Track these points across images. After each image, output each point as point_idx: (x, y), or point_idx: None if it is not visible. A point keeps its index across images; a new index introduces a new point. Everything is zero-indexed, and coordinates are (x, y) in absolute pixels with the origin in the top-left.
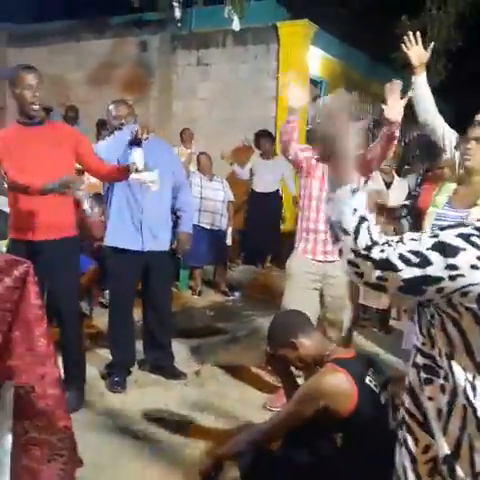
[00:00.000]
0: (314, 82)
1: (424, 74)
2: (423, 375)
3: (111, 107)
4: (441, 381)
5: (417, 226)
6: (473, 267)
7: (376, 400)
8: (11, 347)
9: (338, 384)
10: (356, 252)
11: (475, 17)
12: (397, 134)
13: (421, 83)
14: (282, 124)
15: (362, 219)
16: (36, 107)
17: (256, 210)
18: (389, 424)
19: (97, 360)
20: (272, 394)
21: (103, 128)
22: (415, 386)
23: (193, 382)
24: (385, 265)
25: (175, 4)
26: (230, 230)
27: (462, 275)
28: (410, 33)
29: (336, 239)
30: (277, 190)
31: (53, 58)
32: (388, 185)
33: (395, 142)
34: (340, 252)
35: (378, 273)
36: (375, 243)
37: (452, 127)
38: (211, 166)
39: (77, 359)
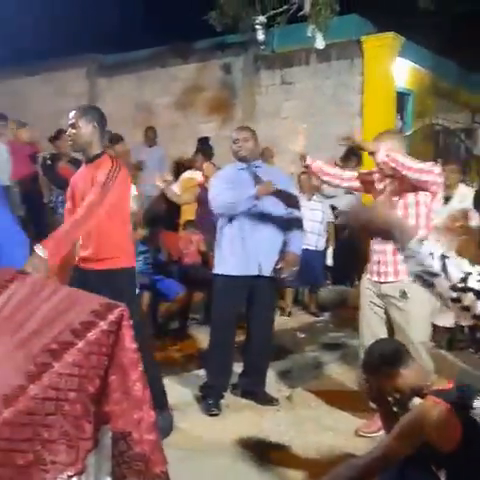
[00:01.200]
0: (401, 94)
1: None
2: None
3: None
4: None
5: None
6: None
7: None
8: (108, 392)
9: (440, 418)
10: (453, 287)
11: None
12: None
13: None
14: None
15: (443, 257)
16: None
17: (341, 228)
18: None
19: (190, 382)
20: (366, 420)
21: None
22: None
23: (285, 407)
24: None
25: (258, 27)
26: (330, 250)
27: None
28: None
29: (429, 286)
30: None
31: (141, 85)
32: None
33: (404, 172)
34: (439, 297)
35: None
36: (469, 273)
37: None
38: (311, 186)
39: (157, 386)
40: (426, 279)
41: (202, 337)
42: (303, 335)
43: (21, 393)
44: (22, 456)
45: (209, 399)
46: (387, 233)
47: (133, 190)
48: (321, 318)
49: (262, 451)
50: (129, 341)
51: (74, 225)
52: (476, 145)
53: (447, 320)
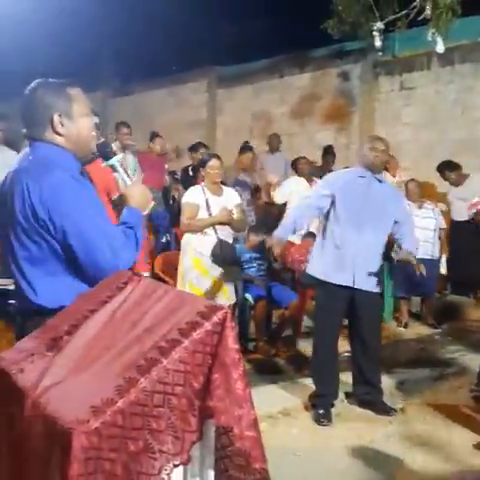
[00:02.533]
0: None
1: None
2: None
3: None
4: None
5: None
6: None
7: None
8: (211, 389)
9: None
10: None
11: None
12: None
13: None
14: None
15: None
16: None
17: (459, 238)
18: None
19: (301, 388)
20: None
21: None
22: None
23: (398, 419)
24: None
25: (375, 33)
26: (444, 258)
27: None
28: None
29: None
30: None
31: (258, 95)
32: None
33: None
34: None
35: None
36: None
37: None
38: (419, 193)
39: None
40: None
41: None
42: (419, 347)
43: (133, 385)
44: (133, 443)
45: (319, 409)
46: None
47: (237, 198)
48: (438, 330)
49: (371, 462)
50: (232, 342)
51: None
52: None
53: None
